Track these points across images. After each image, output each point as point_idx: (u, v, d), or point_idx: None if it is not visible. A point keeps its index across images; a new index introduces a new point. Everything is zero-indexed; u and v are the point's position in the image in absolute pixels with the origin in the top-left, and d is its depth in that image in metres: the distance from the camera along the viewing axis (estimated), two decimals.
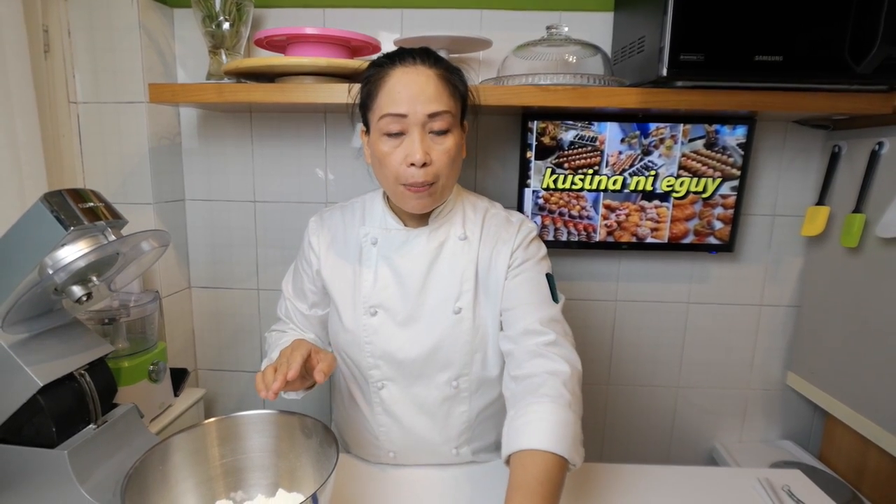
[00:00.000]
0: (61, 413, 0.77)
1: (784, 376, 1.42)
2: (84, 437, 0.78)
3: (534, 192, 1.27)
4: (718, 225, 1.29)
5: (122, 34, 1.18)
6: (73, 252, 0.71)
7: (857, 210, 1.17)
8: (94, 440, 0.78)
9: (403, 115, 0.77)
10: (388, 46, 1.13)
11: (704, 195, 1.27)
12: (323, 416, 0.82)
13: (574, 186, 1.26)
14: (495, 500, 0.63)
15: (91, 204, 0.76)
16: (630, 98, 1.07)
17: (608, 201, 1.27)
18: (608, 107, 1.10)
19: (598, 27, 1.26)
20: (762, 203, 1.34)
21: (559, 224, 1.29)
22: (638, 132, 1.24)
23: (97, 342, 0.86)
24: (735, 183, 1.26)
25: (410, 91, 0.77)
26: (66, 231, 0.71)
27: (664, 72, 0.99)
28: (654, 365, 1.43)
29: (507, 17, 1.27)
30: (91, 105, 1.23)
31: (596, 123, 1.23)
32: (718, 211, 1.28)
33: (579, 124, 1.23)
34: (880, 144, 1.14)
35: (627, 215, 1.28)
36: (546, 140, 1.24)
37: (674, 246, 1.30)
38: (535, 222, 1.29)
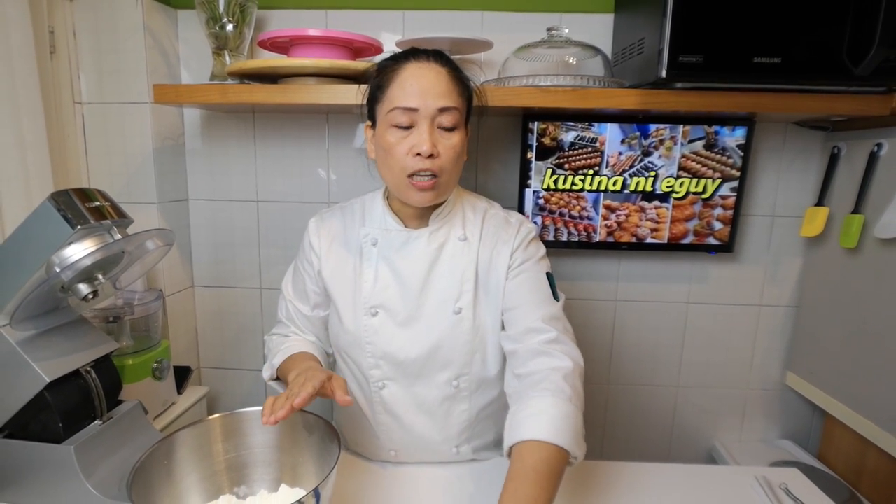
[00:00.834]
0: (67, 409, 0.78)
1: (783, 376, 1.43)
2: (90, 433, 0.79)
3: (534, 192, 1.28)
4: (718, 225, 1.29)
5: (127, 35, 1.20)
6: (80, 250, 0.72)
7: (855, 211, 1.18)
8: (100, 436, 0.80)
9: (414, 109, 0.78)
10: (390, 48, 1.14)
11: (704, 196, 1.28)
12: (325, 412, 0.83)
13: (574, 187, 1.27)
14: (495, 497, 0.64)
15: (97, 203, 0.78)
16: (629, 99, 1.08)
17: (608, 202, 1.28)
18: (608, 108, 1.11)
19: (599, 29, 1.26)
20: (762, 204, 1.35)
21: (559, 224, 1.30)
22: (638, 133, 1.24)
23: (102, 339, 0.87)
24: (735, 184, 1.27)
25: (422, 85, 0.78)
26: (72, 230, 0.72)
27: (663, 73, 1.00)
28: (653, 364, 1.44)
29: (507, 19, 1.28)
30: (96, 105, 1.24)
31: (596, 124, 1.24)
32: (718, 211, 1.29)
33: (580, 125, 1.24)
34: (879, 146, 1.14)
35: (627, 216, 1.29)
36: (547, 141, 1.25)
37: (673, 246, 1.31)
38: (536, 222, 1.30)
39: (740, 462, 1.35)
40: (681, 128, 1.24)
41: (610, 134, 1.24)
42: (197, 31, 1.22)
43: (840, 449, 1.29)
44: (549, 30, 1.15)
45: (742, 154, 1.25)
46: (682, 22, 0.98)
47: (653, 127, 1.24)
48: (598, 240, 1.30)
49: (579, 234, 1.30)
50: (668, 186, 1.27)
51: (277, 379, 0.90)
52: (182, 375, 1.29)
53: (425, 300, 0.87)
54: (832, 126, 1.29)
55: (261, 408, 0.77)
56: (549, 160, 1.26)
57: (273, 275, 1.43)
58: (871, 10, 0.94)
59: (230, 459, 0.75)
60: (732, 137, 1.24)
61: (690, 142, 1.25)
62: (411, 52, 0.82)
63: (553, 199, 1.28)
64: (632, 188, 1.27)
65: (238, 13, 1.15)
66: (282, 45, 1.15)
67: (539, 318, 0.81)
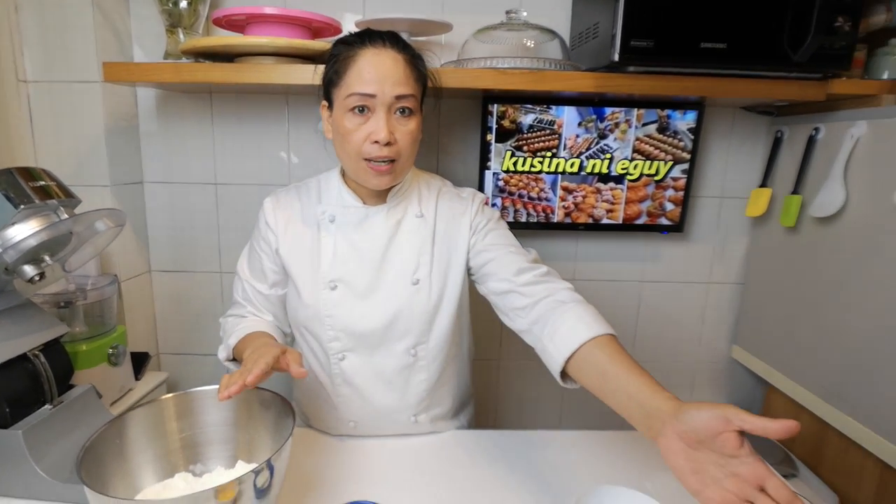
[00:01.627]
0: (14, 393, 0.77)
1: (729, 350, 1.50)
2: (40, 417, 0.77)
3: (494, 174, 1.30)
4: (670, 206, 1.35)
5: (74, 10, 1.15)
6: (24, 231, 0.70)
7: (795, 192, 1.24)
8: (50, 420, 0.78)
9: (372, 95, 0.80)
10: (349, 28, 1.14)
11: (657, 178, 1.32)
12: (286, 392, 0.85)
13: (533, 169, 1.30)
14: (453, 468, 0.66)
15: (42, 182, 0.76)
16: (585, 82, 1.11)
17: (566, 183, 1.31)
18: (564, 91, 1.13)
19: (557, 13, 1.28)
20: (711, 185, 1.41)
21: (519, 206, 1.32)
22: (594, 116, 1.28)
23: (51, 323, 0.86)
24: (685, 166, 1.32)
25: (380, 72, 0.80)
26: (15, 209, 0.70)
27: (616, 57, 1.03)
28: None
29: (467, 1, 1.28)
30: (42, 84, 1.19)
31: (554, 107, 1.26)
32: (670, 193, 1.34)
33: (538, 108, 1.26)
34: (817, 130, 1.21)
35: (584, 197, 1.33)
36: (506, 123, 1.27)
37: (628, 227, 1.35)
38: (496, 204, 1.32)
39: None
40: (635, 111, 1.27)
41: (567, 117, 1.27)
42: (150, 8, 1.18)
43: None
44: (507, 13, 1.16)
45: (693, 137, 1.30)
46: (633, 7, 1.01)
47: (608, 110, 1.27)
48: (556, 221, 1.34)
49: (538, 216, 1.33)
50: (622, 168, 1.31)
51: (234, 360, 0.90)
52: (140, 361, 1.27)
53: (384, 273, 0.89)
54: (776, 111, 1.35)
55: (215, 386, 0.77)
56: (509, 142, 1.28)
57: (233, 258, 1.40)
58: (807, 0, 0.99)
59: (185, 438, 0.75)
60: (684, 121, 1.29)
61: (644, 125, 1.29)
62: (367, 36, 0.83)
63: (512, 180, 1.31)
64: (588, 170, 1.31)
65: None
66: (238, 23, 1.12)
67: (525, 260, 0.87)
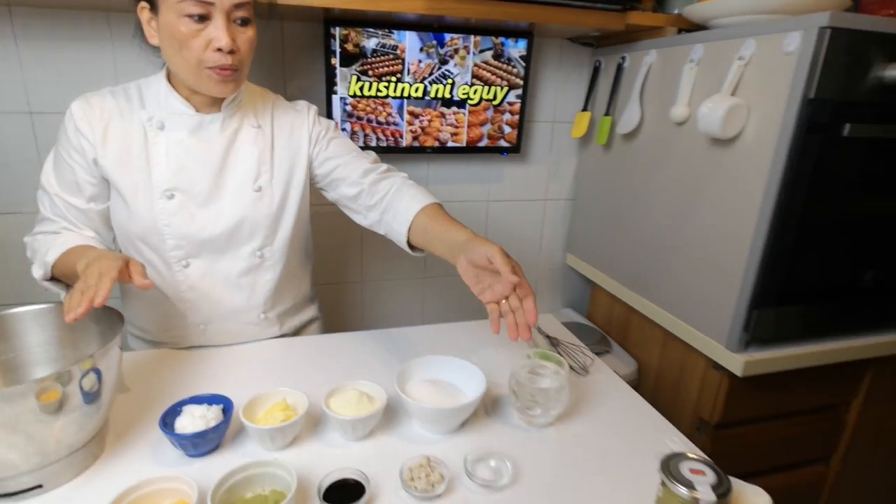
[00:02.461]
0: None
1: (564, 257, 1.73)
2: None
3: (342, 98, 1.32)
4: (508, 130, 1.48)
5: None
6: None
7: (607, 114, 1.43)
8: None
9: (210, 3, 0.77)
10: None
11: (495, 102, 1.44)
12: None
13: (379, 94, 1.34)
14: (306, 369, 0.72)
15: None
16: (417, 4, 1.16)
17: (412, 108, 1.38)
18: (398, 11, 1.17)
19: None
20: (544, 111, 1.56)
21: (368, 130, 1.37)
22: (435, 42, 1.34)
23: None
24: (520, 92, 1.44)
25: None
26: None
27: None
28: None
29: None
30: None
31: (396, 32, 1.30)
32: (507, 117, 1.46)
33: (380, 32, 1.29)
34: (623, 58, 1.39)
35: (430, 121, 1.40)
36: (350, 47, 1.29)
37: (472, 149, 1.47)
38: (345, 129, 1.35)
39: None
40: (472, 38, 1.36)
41: (409, 42, 1.32)
42: None
43: (599, 307, 1.63)
44: None
45: (525, 65, 1.42)
46: None
47: (448, 36, 1.34)
48: (404, 145, 1.41)
49: (387, 140, 1.39)
50: (463, 93, 1.40)
51: (53, 279, 0.86)
52: None
53: (224, 181, 0.91)
54: (596, 43, 1.52)
55: (36, 306, 0.75)
56: (354, 67, 1.30)
57: None
58: None
59: (6, 361, 0.73)
60: (516, 49, 1.40)
61: (481, 52, 1.38)
62: None
63: (360, 105, 1.34)
64: (432, 95, 1.38)
65: None
66: None
67: (368, 161, 0.99)
